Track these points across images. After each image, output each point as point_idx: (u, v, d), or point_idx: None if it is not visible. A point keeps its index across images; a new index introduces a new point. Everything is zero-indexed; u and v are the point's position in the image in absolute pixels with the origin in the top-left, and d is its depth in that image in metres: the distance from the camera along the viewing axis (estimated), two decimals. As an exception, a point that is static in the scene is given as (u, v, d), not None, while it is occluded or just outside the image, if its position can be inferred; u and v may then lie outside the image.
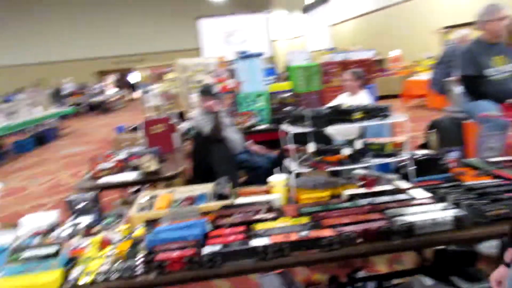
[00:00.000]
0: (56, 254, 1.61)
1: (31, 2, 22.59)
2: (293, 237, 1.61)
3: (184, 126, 4.92)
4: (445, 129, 3.18)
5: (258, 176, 3.99)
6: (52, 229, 2.03)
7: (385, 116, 2.12)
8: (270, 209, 1.93)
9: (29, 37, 23.03)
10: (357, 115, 2.08)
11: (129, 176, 3.06)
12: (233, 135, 4.08)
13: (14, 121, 9.33)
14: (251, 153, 4.18)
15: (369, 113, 2.11)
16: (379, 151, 2.17)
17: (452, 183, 2.07)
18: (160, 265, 1.53)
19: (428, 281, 2.11)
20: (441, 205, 1.79)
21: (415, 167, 2.17)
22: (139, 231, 1.84)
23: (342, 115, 2.13)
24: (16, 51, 23.05)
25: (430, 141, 3.19)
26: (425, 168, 2.21)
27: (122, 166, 3.26)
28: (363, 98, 4.11)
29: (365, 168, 2.27)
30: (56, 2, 22.84)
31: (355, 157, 2.11)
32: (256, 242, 1.58)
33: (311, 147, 2.10)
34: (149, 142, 3.87)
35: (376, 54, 12.80)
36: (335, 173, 2.53)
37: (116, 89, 19.45)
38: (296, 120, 2.16)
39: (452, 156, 2.41)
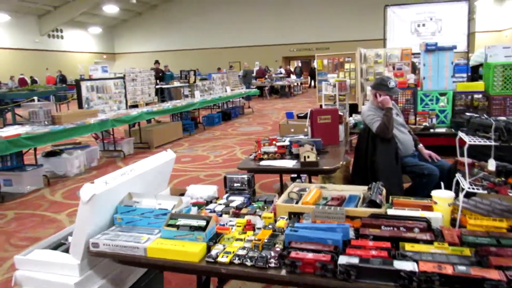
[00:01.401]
0: (204, 228, 1.73)
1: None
2: (449, 270, 1.35)
3: (353, 119, 4.76)
4: None
5: (424, 184, 3.58)
6: (209, 202, 2.20)
7: None
8: (426, 229, 1.67)
9: (227, 24, 25.96)
10: None
11: (288, 163, 3.11)
12: (403, 135, 3.75)
13: (208, 97, 10.63)
14: (421, 157, 3.77)
15: None
16: None
17: None
18: (293, 263, 1.48)
19: None
20: None
21: None
22: (281, 222, 1.83)
23: (544, 131, 1.68)
24: (216, 37, 26.35)
25: None
26: None
27: (283, 152, 3.34)
28: None
29: None
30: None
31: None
32: (401, 265, 1.39)
33: (492, 164, 1.72)
34: (314, 131, 3.86)
35: None
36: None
37: (296, 76, 20.17)
38: (478, 129, 1.80)
39: None
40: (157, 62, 15.77)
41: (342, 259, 1.45)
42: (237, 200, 2.17)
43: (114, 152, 7.36)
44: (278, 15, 25.02)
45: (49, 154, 6.08)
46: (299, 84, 20.51)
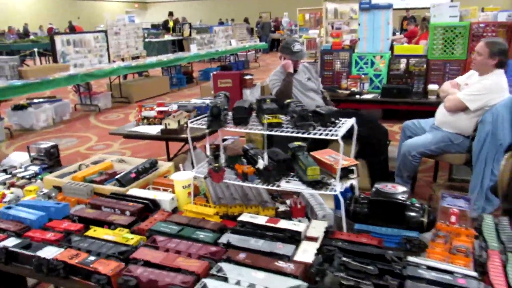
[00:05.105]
0: None
1: None
2: (74, 259, 1.32)
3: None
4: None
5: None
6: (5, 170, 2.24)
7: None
8: (136, 212, 1.63)
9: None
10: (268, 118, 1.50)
11: (153, 129, 3.08)
12: (310, 102, 3.56)
13: (208, 50, 10.44)
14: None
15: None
16: (303, 174, 1.52)
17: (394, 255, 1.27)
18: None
19: None
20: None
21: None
22: (28, 195, 1.86)
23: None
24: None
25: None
26: (388, 213, 1.46)
27: (162, 118, 3.29)
28: (488, 83, 2.89)
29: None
30: None
31: (266, 173, 1.55)
32: (44, 252, 1.38)
33: (207, 148, 1.63)
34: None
35: None
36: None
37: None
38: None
39: (459, 204, 1.46)
40: (171, 13, 15.62)
41: (5, 242, 1.46)
42: (30, 170, 2.19)
43: (91, 106, 7.56)
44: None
45: (17, 108, 6.36)
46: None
